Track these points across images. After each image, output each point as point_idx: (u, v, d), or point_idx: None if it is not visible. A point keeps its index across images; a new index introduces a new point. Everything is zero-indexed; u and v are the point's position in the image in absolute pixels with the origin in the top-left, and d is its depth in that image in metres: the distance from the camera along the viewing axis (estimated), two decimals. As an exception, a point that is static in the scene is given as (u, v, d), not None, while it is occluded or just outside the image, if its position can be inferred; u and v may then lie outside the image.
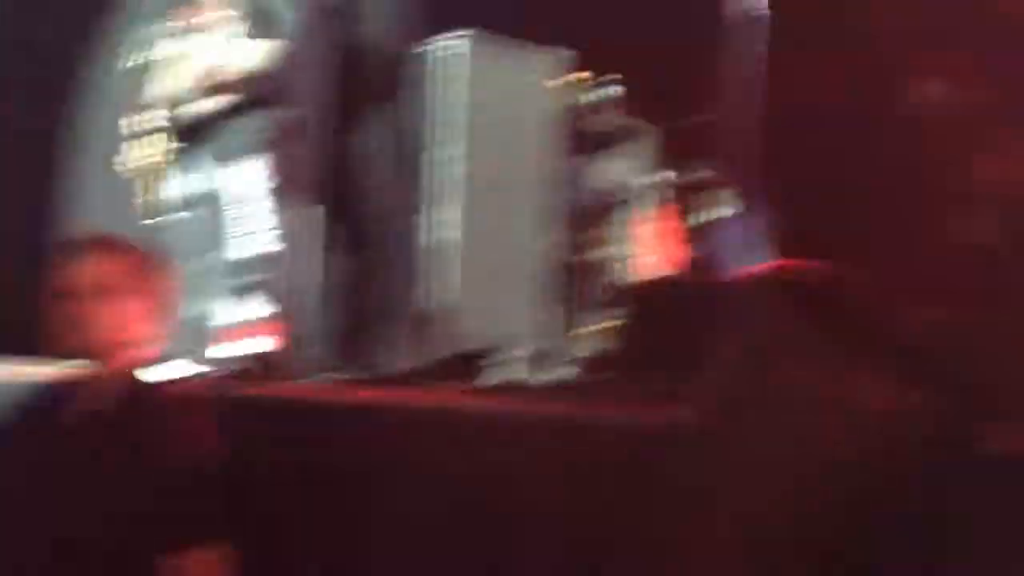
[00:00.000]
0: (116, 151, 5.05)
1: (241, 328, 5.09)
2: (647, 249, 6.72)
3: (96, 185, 5.33)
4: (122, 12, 5.86)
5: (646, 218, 6.80)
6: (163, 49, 5.08)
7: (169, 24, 5.13)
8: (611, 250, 6.73)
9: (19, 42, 6.18)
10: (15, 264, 4.55)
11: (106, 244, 3.14)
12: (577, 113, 6.71)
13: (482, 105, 6.22)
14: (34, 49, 6.09)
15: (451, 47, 6.22)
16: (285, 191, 5.12)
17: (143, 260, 3.14)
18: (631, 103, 7.07)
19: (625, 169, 6.86)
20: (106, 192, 5.23)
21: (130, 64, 5.29)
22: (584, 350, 6.25)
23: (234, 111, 5.01)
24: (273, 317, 5.10)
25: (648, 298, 5.72)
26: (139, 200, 5.01)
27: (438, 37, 6.27)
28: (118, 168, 5.06)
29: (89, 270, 3.07)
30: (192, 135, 5.01)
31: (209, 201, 5.09)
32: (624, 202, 6.85)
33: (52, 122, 6.09)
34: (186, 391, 3.46)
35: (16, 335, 3.72)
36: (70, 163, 6.07)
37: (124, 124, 5.02)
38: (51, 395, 3.20)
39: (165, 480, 3.02)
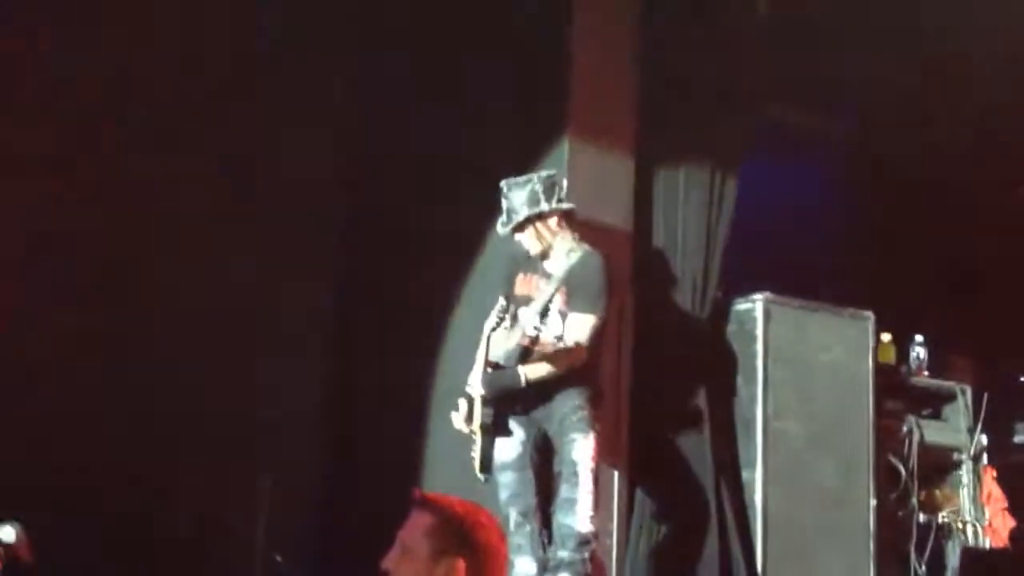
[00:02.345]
0: (456, 407, 5.17)
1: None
2: (978, 513, 6.27)
3: (446, 439, 5.40)
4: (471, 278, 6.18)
5: (974, 482, 6.37)
6: (496, 316, 5.21)
7: (503, 293, 5.28)
8: (943, 513, 6.30)
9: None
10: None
11: (429, 505, 3.01)
12: (887, 373, 6.42)
13: (784, 365, 6.06)
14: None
15: (748, 309, 6.13)
16: (600, 466, 5.11)
17: (450, 523, 2.98)
18: (943, 363, 6.76)
19: (947, 431, 6.49)
20: (453, 446, 5.31)
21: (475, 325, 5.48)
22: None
23: (553, 382, 5.07)
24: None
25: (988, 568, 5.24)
26: (472, 457, 5.05)
27: (735, 299, 6.19)
28: (456, 425, 5.13)
29: (406, 530, 2.99)
30: (513, 402, 5.08)
31: (526, 466, 5.11)
32: (952, 464, 6.46)
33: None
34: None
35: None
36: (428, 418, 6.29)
37: (468, 383, 5.16)
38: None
39: None
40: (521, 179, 5.22)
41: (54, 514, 5.58)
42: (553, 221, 5.19)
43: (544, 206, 5.15)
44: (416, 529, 2.95)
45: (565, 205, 5.20)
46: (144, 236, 6.22)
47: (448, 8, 6.36)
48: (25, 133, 5.87)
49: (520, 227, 5.19)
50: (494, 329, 5.06)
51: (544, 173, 5.24)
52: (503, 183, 5.22)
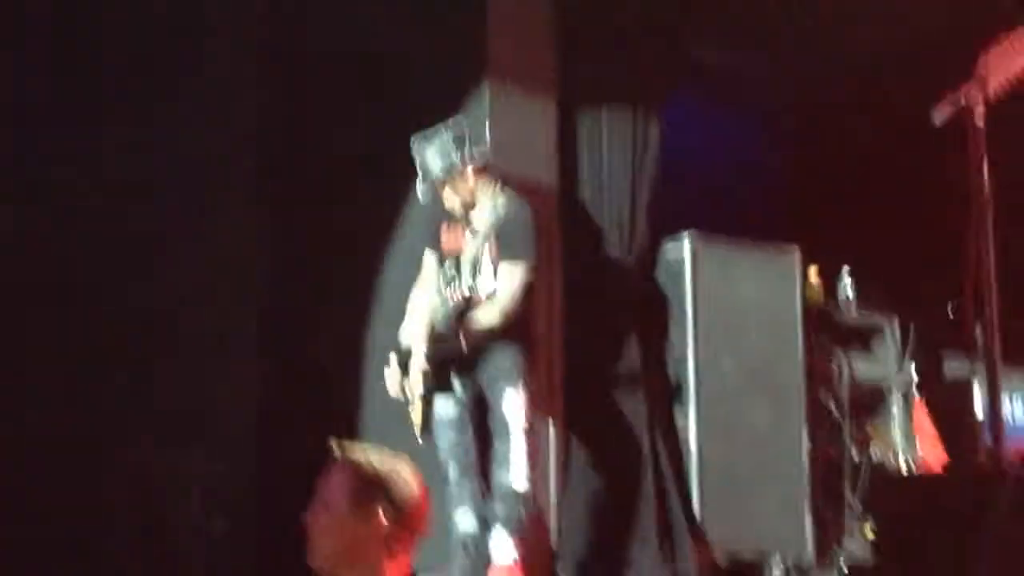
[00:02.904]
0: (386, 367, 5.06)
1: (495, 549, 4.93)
2: (910, 447, 6.32)
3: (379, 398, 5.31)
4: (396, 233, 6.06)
5: (905, 415, 6.42)
6: (425, 271, 5.17)
7: (431, 247, 5.20)
8: (874, 449, 6.34)
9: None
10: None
11: (347, 460, 2.99)
12: (815, 309, 6.42)
13: (712, 305, 6.05)
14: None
15: (674, 250, 6.10)
16: (534, 420, 5.07)
17: (369, 477, 2.95)
18: (870, 297, 6.77)
19: (876, 365, 6.51)
20: (392, 402, 5.23)
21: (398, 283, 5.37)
22: (852, 557, 5.86)
23: (487, 339, 4.97)
24: (519, 541, 4.92)
25: (911, 499, 5.27)
26: (411, 417, 4.96)
27: (663, 241, 6.14)
28: (389, 388, 5.03)
29: (325, 484, 2.97)
30: (450, 361, 4.98)
31: (464, 427, 5.06)
32: (882, 399, 6.49)
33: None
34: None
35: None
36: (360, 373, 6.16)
37: (399, 341, 5.07)
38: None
39: None
40: (430, 132, 5.03)
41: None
42: (469, 173, 5.03)
43: (455, 160, 4.98)
44: (335, 483, 2.95)
45: (478, 156, 5.04)
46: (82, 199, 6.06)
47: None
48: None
49: (437, 186, 5.04)
50: (437, 308, 4.96)
51: (452, 124, 5.05)
52: (413, 139, 5.04)
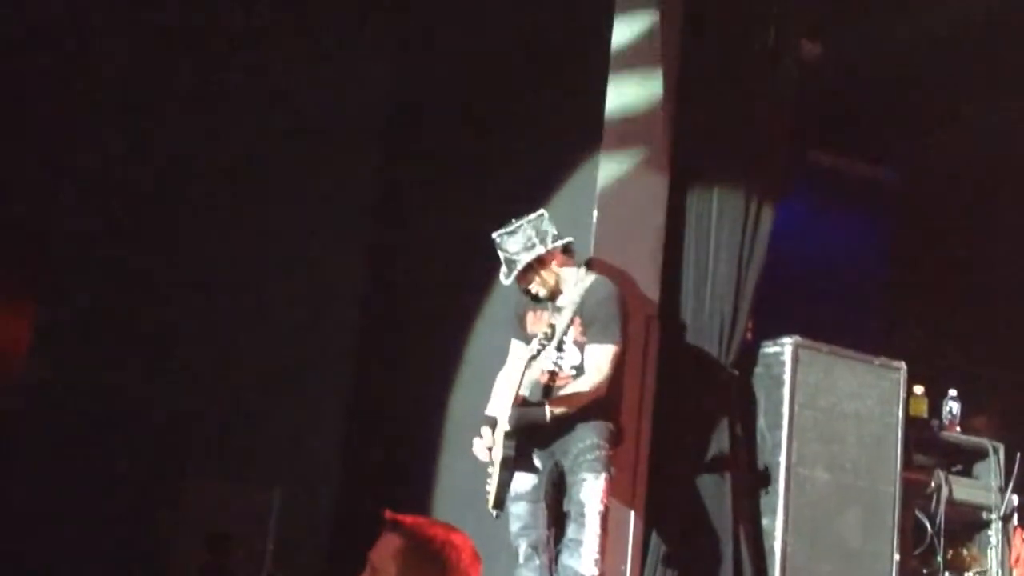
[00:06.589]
0: (478, 435, 5.04)
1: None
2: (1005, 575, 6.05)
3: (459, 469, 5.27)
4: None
5: (1002, 542, 6.16)
6: (514, 351, 5.18)
7: (517, 336, 5.22)
8: (969, 573, 6.09)
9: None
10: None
11: (399, 526, 2.94)
12: (917, 427, 6.22)
13: (810, 412, 5.87)
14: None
15: (776, 352, 5.95)
16: (611, 508, 4.99)
17: (419, 545, 2.90)
18: (974, 420, 6.56)
19: (977, 489, 6.27)
20: (466, 476, 5.18)
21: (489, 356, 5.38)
22: None
23: (574, 416, 4.97)
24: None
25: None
26: (487, 487, 4.93)
27: (764, 342, 6.01)
28: (477, 453, 5.02)
29: (376, 550, 2.93)
30: (531, 435, 4.95)
31: (540, 499, 5.02)
32: (981, 523, 6.27)
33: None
34: None
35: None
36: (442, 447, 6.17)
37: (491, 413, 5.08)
38: None
39: None
40: (511, 227, 5.10)
41: (56, 521, 5.55)
42: (554, 260, 5.10)
43: (540, 248, 5.05)
44: (385, 551, 2.90)
45: (561, 241, 5.10)
46: (172, 243, 6.22)
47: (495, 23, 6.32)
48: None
49: (523, 275, 5.08)
50: (534, 357, 4.92)
51: (533, 215, 5.12)
52: (494, 235, 5.11)
